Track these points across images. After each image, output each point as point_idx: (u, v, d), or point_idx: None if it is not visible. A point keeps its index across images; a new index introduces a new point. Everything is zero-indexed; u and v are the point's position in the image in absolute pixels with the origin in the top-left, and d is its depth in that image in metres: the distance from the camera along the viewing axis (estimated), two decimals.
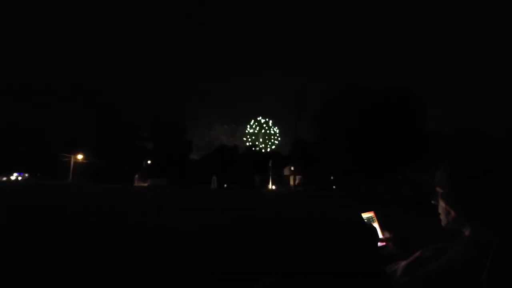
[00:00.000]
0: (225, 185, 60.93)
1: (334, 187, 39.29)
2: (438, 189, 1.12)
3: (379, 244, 1.27)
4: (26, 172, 54.22)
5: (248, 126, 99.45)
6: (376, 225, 1.31)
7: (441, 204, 1.12)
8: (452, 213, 1.07)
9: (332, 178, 43.12)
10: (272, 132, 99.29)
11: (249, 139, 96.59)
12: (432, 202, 1.16)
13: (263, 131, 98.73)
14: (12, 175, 52.44)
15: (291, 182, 50.33)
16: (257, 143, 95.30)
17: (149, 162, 66.57)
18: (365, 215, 1.29)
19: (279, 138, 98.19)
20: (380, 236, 1.30)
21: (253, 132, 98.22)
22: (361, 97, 36.58)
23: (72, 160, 51.67)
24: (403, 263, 1.15)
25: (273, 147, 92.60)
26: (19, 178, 51.92)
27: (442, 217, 1.12)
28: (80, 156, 53.93)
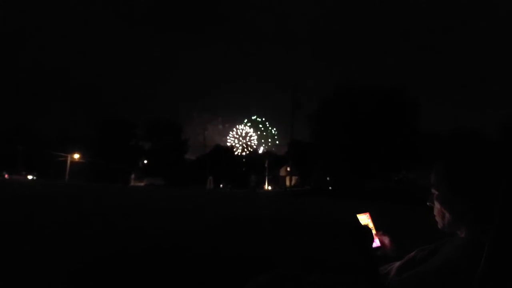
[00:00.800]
0: (221, 185, 60.90)
1: (330, 188, 39.27)
2: (433, 191, 1.13)
3: (374, 245, 1.28)
4: (23, 171, 53.73)
5: (242, 125, 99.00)
6: (371, 226, 1.32)
7: (437, 206, 1.12)
8: (447, 215, 1.07)
9: (328, 179, 43.10)
10: (270, 134, 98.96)
11: (243, 139, 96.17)
12: (428, 204, 1.16)
13: (259, 132, 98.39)
14: (28, 174, 52.19)
15: (287, 183, 50.28)
16: (252, 143, 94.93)
17: (145, 161, 66.37)
18: (360, 216, 1.30)
19: (277, 142, 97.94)
20: (375, 237, 1.30)
21: (247, 131, 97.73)
22: (356, 96, 36.61)
23: (69, 159, 51.29)
24: (397, 264, 1.16)
25: (264, 146, 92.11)
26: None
27: (438, 219, 1.12)
28: (76, 156, 53.56)
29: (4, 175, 48.58)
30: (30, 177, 50.97)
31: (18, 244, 4.19)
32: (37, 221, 6.24)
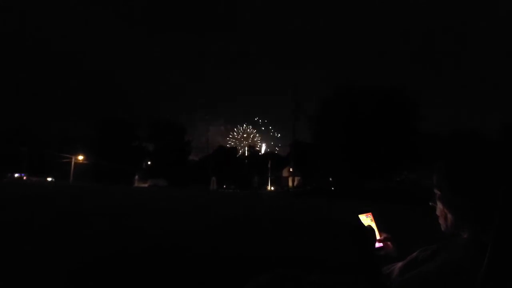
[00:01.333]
0: (224, 186, 60.97)
1: (332, 188, 39.20)
2: (436, 191, 1.12)
3: (377, 245, 1.27)
4: (25, 173, 53.66)
5: (244, 125, 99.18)
6: (373, 225, 1.30)
7: (439, 206, 1.11)
8: (450, 216, 1.06)
9: (330, 179, 43.04)
10: (272, 135, 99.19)
11: (245, 140, 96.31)
12: (430, 204, 1.15)
13: (262, 134, 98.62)
14: (48, 176, 52.34)
15: (290, 183, 50.29)
16: (256, 143, 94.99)
17: (149, 163, 66.51)
18: (362, 216, 1.29)
19: (279, 145, 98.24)
20: (378, 237, 1.30)
21: (249, 132, 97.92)
22: (356, 96, 36.60)
23: (73, 161, 51.29)
24: (399, 264, 1.15)
25: (266, 147, 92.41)
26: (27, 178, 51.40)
27: (441, 220, 1.11)
28: (80, 157, 53.60)
29: (22, 177, 48.79)
30: (49, 179, 51.11)
31: (19, 244, 4.19)
32: (38, 221, 6.25)
